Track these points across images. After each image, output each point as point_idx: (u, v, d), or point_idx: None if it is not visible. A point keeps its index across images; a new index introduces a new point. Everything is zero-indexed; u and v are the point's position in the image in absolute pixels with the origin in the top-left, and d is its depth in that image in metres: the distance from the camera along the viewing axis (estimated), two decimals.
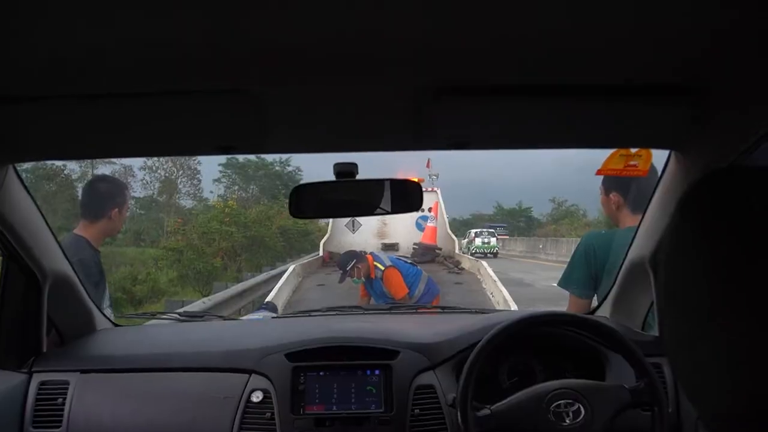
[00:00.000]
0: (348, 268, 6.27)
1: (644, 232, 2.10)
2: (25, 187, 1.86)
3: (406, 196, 1.89)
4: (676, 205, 0.73)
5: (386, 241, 18.11)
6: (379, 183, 1.88)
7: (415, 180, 1.91)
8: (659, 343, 2.09)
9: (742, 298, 0.64)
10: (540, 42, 1.14)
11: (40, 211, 1.97)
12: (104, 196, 3.34)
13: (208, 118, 1.51)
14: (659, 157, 1.88)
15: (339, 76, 1.30)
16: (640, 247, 2.13)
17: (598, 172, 1.96)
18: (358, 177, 1.84)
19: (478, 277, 12.62)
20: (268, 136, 1.61)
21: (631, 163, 1.89)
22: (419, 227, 16.69)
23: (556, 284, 3.40)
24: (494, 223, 52.35)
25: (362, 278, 6.26)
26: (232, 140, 1.66)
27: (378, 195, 1.88)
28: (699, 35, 1.13)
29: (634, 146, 1.85)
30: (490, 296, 10.13)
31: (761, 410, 0.65)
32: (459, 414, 1.76)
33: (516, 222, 71.52)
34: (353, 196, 1.92)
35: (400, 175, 2.19)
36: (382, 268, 6.29)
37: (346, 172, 1.80)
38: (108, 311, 2.49)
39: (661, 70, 1.30)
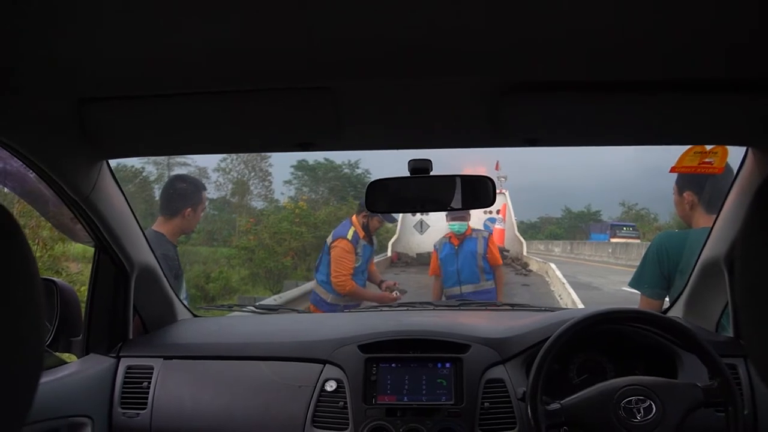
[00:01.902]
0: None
1: (719, 231, 2.07)
2: (117, 183, 1.97)
3: (477, 192, 1.90)
4: (752, 200, 0.73)
5: None
6: (450, 179, 1.90)
7: (487, 176, 1.91)
8: (734, 344, 2.05)
9: None
10: (613, 38, 1.15)
11: (130, 207, 2.08)
12: (180, 195, 3.56)
13: (287, 115, 1.57)
14: (735, 154, 1.86)
15: (414, 71, 1.33)
16: (715, 246, 2.09)
17: (672, 170, 1.94)
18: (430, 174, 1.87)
19: (546, 279, 12.47)
20: (345, 132, 1.66)
21: (706, 160, 1.86)
22: (487, 229, 16.59)
23: (625, 288, 3.36)
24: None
25: (466, 222, 5.98)
26: (310, 136, 1.72)
27: (450, 191, 1.90)
28: None
29: (710, 143, 1.82)
30: (558, 298, 9.99)
31: None
32: (529, 407, 1.77)
33: (585, 226, 69.94)
34: (425, 192, 1.94)
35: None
36: (488, 232, 6.33)
37: (420, 168, 1.83)
38: (186, 303, 2.59)
39: (738, 65, 1.28)
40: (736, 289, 0.77)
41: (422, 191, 1.94)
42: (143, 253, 2.19)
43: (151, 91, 1.44)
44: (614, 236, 40.23)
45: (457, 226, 5.86)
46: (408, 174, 1.85)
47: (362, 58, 1.27)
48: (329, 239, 5.51)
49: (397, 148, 1.84)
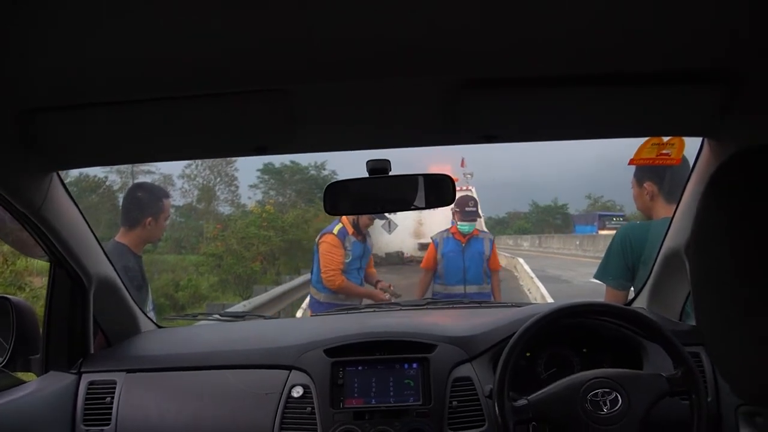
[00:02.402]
0: (475, 209, 5.81)
1: (679, 220, 2.09)
2: (69, 194, 1.92)
3: (438, 191, 1.89)
4: (705, 189, 0.73)
5: (423, 240, 18.00)
6: (411, 178, 1.89)
7: (448, 174, 1.90)
8: (697, 332, 2.07)
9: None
10: (568, 33, 1.15)
11: (84, 218, 2.03)
12: (140, 205, 3.49)
13: (243, 119, 1.54)
14: (693, 144, 1.87)
15: (368, 72, 1.31)
16: (676, 236, 2.11)
17: (631, 162, 1.95)
18: (390, 173, 1.86)
19: (515, 273, 12.57)
20: (301, 135, 1.64)
21: (664, 151, 1.88)
22: (454, 224, 16.61)
23: (593, 279, 3.38)
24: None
25: (472, 223, 5.75)
26: (266, 140, 1.69)
27: (411, 190, 1.89)
28: (729, 20, 1.13)
29: (666, 134, 1.83)
30: (527, 292, 10.08)
31: None
32: (496, 405, 1.77)
33: (552, 219, 70.76)
34: (386, 192, 1.93)
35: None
36: (492, 236, 5.94)
37: (379, 168, 1.82)
38: (152, 314, 2.55)
39: (691, 56, 1.29)
40: (698, 279, 0.77)
41: (382, 191, 1.92)
42: (101, 266, 2.14)
43: (98, 99, 1.40)
44: (603, 228, 37.93)
45: (468, 226, 5.68)
46: (367, 175, 1.83)
47: (316, 60, 1.25)
48: (317, 238, 5.46)
49: (355, 149, 1.82)
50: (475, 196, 17.64)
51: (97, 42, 1.11)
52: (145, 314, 2.54)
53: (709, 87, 1.40)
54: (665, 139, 1.86)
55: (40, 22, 1.02)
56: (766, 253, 0.65)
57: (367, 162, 1.81)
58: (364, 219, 5.34)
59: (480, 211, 6.06)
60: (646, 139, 1.87)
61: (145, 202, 3.52)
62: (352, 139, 1.81)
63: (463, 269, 5.66)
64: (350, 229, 5.24)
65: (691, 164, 1.92)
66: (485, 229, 6.32)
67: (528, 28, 1.13)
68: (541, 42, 1.20)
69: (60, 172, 1.85)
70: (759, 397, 0.72)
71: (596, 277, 3.18)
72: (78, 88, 1.34)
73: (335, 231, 5.22)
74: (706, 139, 1.79)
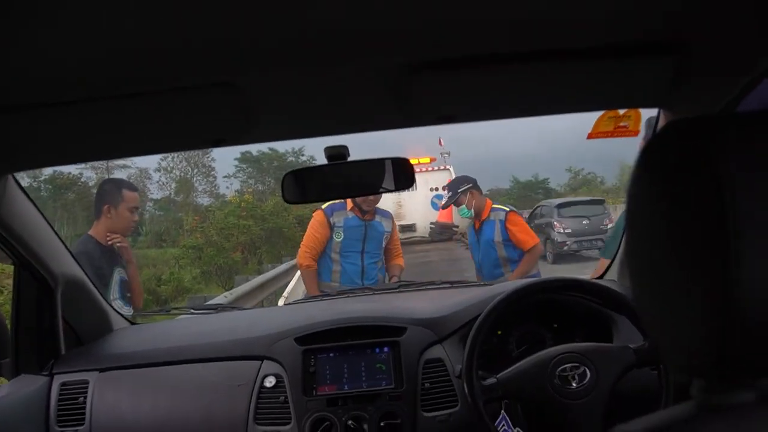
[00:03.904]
0: (460, 191, 5.09)
1: None
2: (27, 195, 1.90)
3: (396, 174, 1.89)
4: (638, 156, 0.74)
5: (403, 222, 18.11)
6: (369, 163, 1.89)
7: (410, 158, 1.89)
8: None
9: (704, 253, 0.66)
10: (514, 9, 1.15)
11: (45, 218, 2.01)
12: (101, 196, 3.74)
13: (196, 113, 1.53)
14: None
15: (317, 59, 1.31)
16: None
17: (589, 136, 1.96)
18: (357, 158, 1.86)
19: None
20: (257, 126, 1.63)
21: (621, 124, 1.88)
22: (434, 206, 16.69)
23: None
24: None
25: (471, 211, 5.07)
26: (222, 133, 1.68)
27: (370, 175, 1.90)
28: None
29: (622, 107, 1.84)
30: None
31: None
32: (465, 384, 1.79)
33: (534, 194, 71.07)
34: (346, 178, 1.93)
35: (408, 155, 2.18)
36: (506, 209, 5.04)
37: (336, 155, 1.81)
38: (118, 303, 2.54)
39: (639, 27, 1.29)
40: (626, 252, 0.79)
41: (340, 178, 1.92)
42: (66, 265, 2.12)
43: (48, 99, 1.38)
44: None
45: (464, 211, 5.13)
46: (325, 162, 1.83)
47: (263, 51, 1.24)
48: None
49: (312, 137, 1.81)
50: (452, 174, 17.72)
51: (45, 40, 1.09)
52: (117, 311, 2.53)
53: (661, 58, 1.40)
54: (621, 111, 1.86)
55: None
56: (698, 227, 0.66)
57: (325, 149, 1.81)
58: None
59: (446, 186, 5.29)
60: (602, 112, 1.87)
61: (106, 193, 3.74)
62: (308, 128, 1.80)
63: (478, 263, 5.16)
64: (349, 204, 4.63)
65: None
66: (499, 206, 5.13)
67: (470, 7, 1.13)
68: (486, 19, 1.19)
69: (16, 174, 1.83)
70: (689, 368, 0.74)
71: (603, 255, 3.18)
72: (27, 88, 1.32)
73: (324, 206, 4.66)
74: (661, 111, 1.80)
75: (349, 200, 4.55)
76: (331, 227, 4.59)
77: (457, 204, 5.15)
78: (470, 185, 5.11)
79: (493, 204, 5.09)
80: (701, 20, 1.26)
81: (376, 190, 1.91)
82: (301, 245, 4.75)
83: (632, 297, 0.79)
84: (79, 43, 1.11)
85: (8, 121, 1.44)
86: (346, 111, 1.68)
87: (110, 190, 3.79)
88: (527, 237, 4.92)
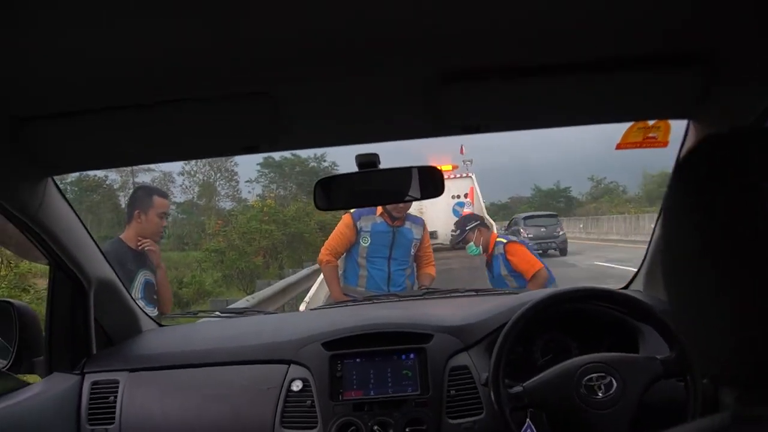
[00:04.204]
0: (468, 228, 5.10)
1: None
2: (65, 198, 1.94)
3: (426, 183, 1.90)
4: (674, 169, 0.75)
5: None
6: (399, 171, 1.91)
7: (449, 167, 1.91)
8: None
9: (735, 263, 0.67)
10: (543, 20, 1.16)
11: (81, 220, 2.05)
12: (133, 202, 3.89)
13: (230, 122, 1.56)
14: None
15: (348, 69, 1.34)
16: None
17: (618, 147, 1.95)
18: (385, 166, 1.87)
19: None
20: (288, 134, 1.66)
21: (650, 135, 1.88)
22: (456, 214, 16.64)
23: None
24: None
25: (479, 247, 5.07)
26: (254, 140, 1.71)
27: (400, 183, 1.91)
28: (709, 3, 1.14)
29: (651, 118, 1.84)
30: None
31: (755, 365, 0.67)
32: (492, 392, 1.79)
33: (555, 203, 70.68)
34: (377, 186, 1.95)
35: (432, 162, 2.20)
36: (504, 241, 5.04)
37: (367, 162, 1.83)
38: (141, 304, 2.58)
39: (668, 39, 1.30)
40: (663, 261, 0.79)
41: (371, 185, 1.94)
42: (100, 267, 2.16)
43: (89, 105, 1.43)
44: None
45: (473, 249, 5.11)
46: (356, 169, 1.85)
47: (294, 62, 1.27)
48: None
49: (341, 145, 1.84)
50: (475, 183, 17.65)
51: (88, 49, 1.13)
52: (146, 314, 2.56)
53: (691, 70, 1.41)
54: (651, 122, 1.86)
55: (31, 30, 1.04)
56: (729, 238, 0.67)
57: (356, 157, 1.83)
58: None
59: (467, 228, 5.12)
60: (631, 123, 1.87)
61: (137, 199, 3.87)
62: (338, 136, 1.82)
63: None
64: (379, 209, 4.58)
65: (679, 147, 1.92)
66: (500, 238, 5.14)
67: (501, 18, 1.14)
68: (515, 31, 1.21)
69: (54, 178, 1.87)
70: (721, 378, 0.75)
71: None
72: (69, 94, 1.36)
73: (352, 210, 4.65)
74: (690, 122, 1.80)
75: (379, 206, 4.48)
76: (358, 231, 4.59)
77: (465, 242, 5.15)
78: (477, 222, 5.16)
79: (497, 237, 5.12)
80: (731, 31, 1.27)
81: (406, 199, 1.92)
82: (324, 244, 4.77)
83: (667, 306, 0.80)
84: (119, 51, 1.15)
85: (50, 127, 1.49)
86: (376, 120, 1.71)
87: (142, 196, 3.91)
88: (528, 266, 4.88)
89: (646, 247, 2.46)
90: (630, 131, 1.88)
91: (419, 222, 4.79)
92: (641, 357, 1.89)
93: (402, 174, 1.90)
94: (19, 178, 1.69)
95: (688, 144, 1.84)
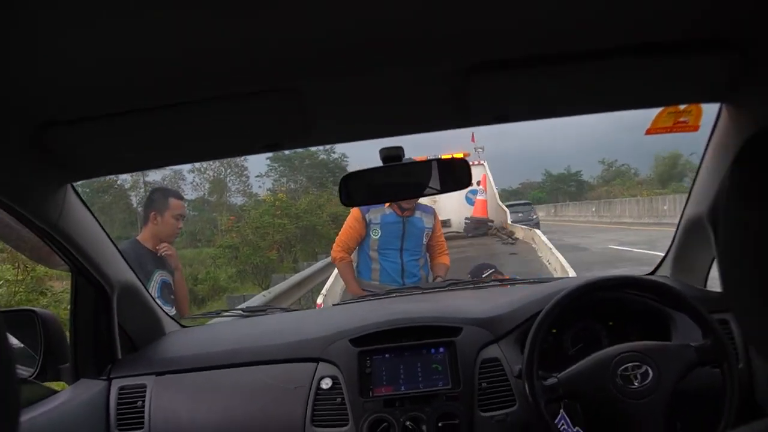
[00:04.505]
0: (484, 276, 5.17)
1: (700, 187, 2.06)
2: (85, 204, 1.92)
3: (454, 174, 1.88)
4: (734, 159, 0.73)
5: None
6: (426, 164, 1.88)
7: (461, 156, 1.88)
8: (724, 299, 2.05)
9: None
10: (573, 8, 1.13)
11: (101, 225, 2.03)
12: (149, 203, 3.96)
13: (254, 119, 1.53)
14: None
15: (376, 63, 1.30)
16: (697, 203, 2.09)
17: (648, 132, 1.92)
18: (404, 159, 1.85)
19: (533, 245, 12.51)
20: (314, 130, 1.63)
21: (681, 119, 1.84)
22: (469, 201, 16.64)
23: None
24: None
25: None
26: (278, 137, 1.68)
27: (426, 175, 1.88)
28: None
29: (684, 102, 1.80)
30: (547, 264, 10.03)
31: None
32: (526, 384, 1.77)
33: (566, 187, 70.59)
34: (402, 179, 1.93)
35: (443, 151, 2.16)
36: None
37: (392, 156, 1.80)
38: (159, 302, 2.58)
39: (701, 23, 1.26)
40: (720, 246, 0.76)
41: (397, 178, 1.92)
42: (121, 271, 2.15)
43: (113, 109, 1.40)
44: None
45: None
46: (381, 163, 1.82)
47: (324, 56, 1.24)
48: None
49: (368, 139, 1.80)
50: (487, 170, 17.61)
51: (109, 51, 1.10)
52: (168, 315, 2.55)
53: (726, 53, 1.37)
54: (682, 106, 1.82)
55: (48, 34, 1.01)
56: None
57: (380, 150, 1.79)
58: None
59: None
60: (662, 108, 1.83)
61: (153, 201, 3.94)
62: (365, 130, 1.79)
63: None
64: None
65: (709, 131, 1.88)
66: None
67: (529, 6, 1.11)
68: (547, 18, 1.17)
69: (74, 184, 1.85)
70: None
71: None
72: (90, 99, 1.33)
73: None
74: (724, 105, 1.75)
75: None
76: (368, 224, 4.55)
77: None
78: (493, 270, 5.13)
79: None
80: (765, 13, 1.23)
81: (433, 191, 1.89)
82: (335, 240, 4.72)
83: (725, 290, 0.78)
84: (141, 52, 1.12)
85: (69, 132, 1.47)
86: (403, 113, 1.67)
87: (158, 198, 3.95)
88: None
89: (661, 228, 2.43)
90: (660, 116, 1.84)
91: (430, 211, 4.74)
92: (676, 345, 1.87)
93: (428, 166, 1.87)
94: (39, 185, 1.67)
95: (724, 128, 1.79)
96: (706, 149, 1.93)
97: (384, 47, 1.23)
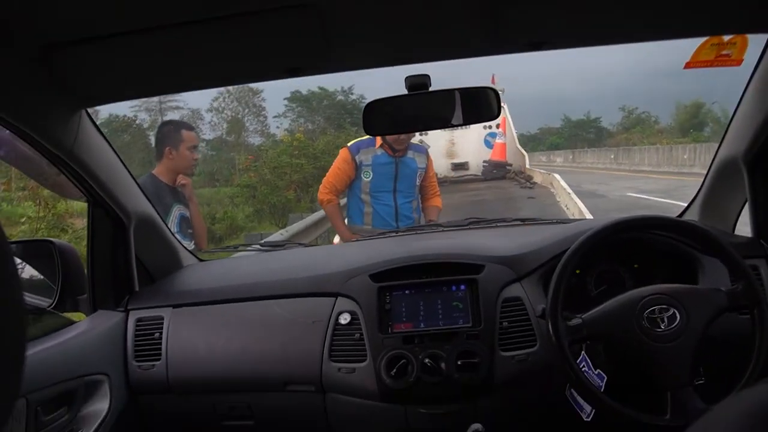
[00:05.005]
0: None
1: (737, 127, 1.97)
2: (100, 131, 1.89)
3: (480, 105, 1.82)
4: (749, 87, 0.66)
5: (456, 160, 17.99)
6: (451, 93, 1.82)
7: (491, 86, 1.81)
8: (755, 244, 2.00)
9: None
10: None
11: (117, 155, 1.99)
12: (161, 137, 3.88)
13: (274, 39, 1.46)
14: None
15: None
16: (733, 143, 2.01)
17: (687, 66, 1.83)
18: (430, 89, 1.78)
19: (552, 190, 12.48)
20: (334, 53, 1.56)
21: (724, 52, 1.76)
22: (488, 144, 16.54)
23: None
24: None
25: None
26: (299, 61, 1.61)
27: (451, 106, 1.82)
28: None
29: (729, 32, 1.71)
30: (565, 208, 10.00)
31: None
32: (549, 324, 1.74)
33: (585, 134, 69.88)
34: (427, 109, 1.87)
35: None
36: None
37: (418, 84, 1.73)
38: (178, 236, 2.56)
39: None
40: (758, 188, 0.70)
41: (422, 109, 1.86)
42: (138, 202, 2.12)
43: (123, 28, 1.34)
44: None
45: None
46: (406, 92, 1.75)
47: None
48: None
49: (392, 65, 1.72)
50: (507, 113, 17.42)
51: None
52: (186, 248, 2.54)
53: None
54: (726, 38, 1.73)
55: None
56: None
57: (406, 78, 1.73)
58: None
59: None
60: (705, 39, 1.74)
61: (165, 135, 3.86)
62: (389, 55, 1.71)
63: None
64: (378, 141, 4.33)
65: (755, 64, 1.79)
66: None
67: None
68: None
69: (90, 111, 1.81)
70: None
71: None
72: (99, 18, 1.28)
73: (350, 143, 4.44)
74: None
75: (378, 138, 4.25)
76: (358, 166, 4.35)
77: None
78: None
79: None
80: None
81: (459, 122, 1.83)
82: (322, 182, 4.53)
83: (756, 233, 0.72)
84: None
85: (78, 54, 1.42)
86: (432, 37, 1.59)
87: (169, 132, 3.89)
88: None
89: (681, 177, 2.36)
90: (702, 48, 1.75)
91: (422, 150, 4.59)
92: (705, 288, 1.82)
93: (454, 95, 1.81)
94: (52, 110, 1.63)
95: None
96: (747, 86, 1.84)
97: None
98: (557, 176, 12.82)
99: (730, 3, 1.43)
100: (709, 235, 1.81)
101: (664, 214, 2.00)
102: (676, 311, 1.71)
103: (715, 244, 1.79)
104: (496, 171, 16.28)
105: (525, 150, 19.44)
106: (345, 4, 1.35)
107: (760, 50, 1.71)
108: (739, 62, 1.78)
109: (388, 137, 4.20)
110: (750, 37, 1.72)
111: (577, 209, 8.91)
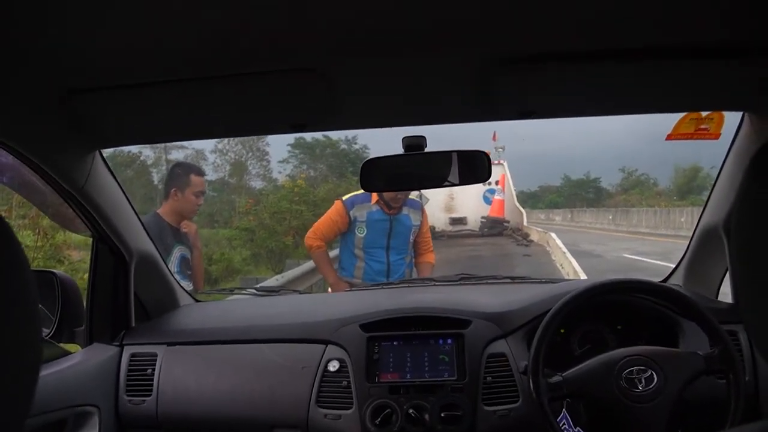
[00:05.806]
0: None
1: (717, 196, 2.06)
2: (111, 172, 1.96)
3: (473, 167, 1.90)
4: (748, 167, 0.73)
5: (454, 215, 18.05)
6: (446, 155, 1.90)
7: (482, 150, 1.89)
8: (734, 310, 2.05)
9: None
10: (607, 4, 1.14)
11: (125, 195, 2.07)
12: (170, 179, 3.98)
13: (280, 98, 1.56)
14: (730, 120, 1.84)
15: (404, 49, 1.32)
16: (713, 212, 2.09)
17: (669, 137, 1.92)
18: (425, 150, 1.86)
19: (547, 249, 12.49)
20: (339, 113, 1.65)
21: (702, 126, 1.85)
22: (486, 200, 16.61)
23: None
24: None
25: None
26: (304, 118, 1.71)
27: (446, 167, 1.90)
28: None
29: (707, 109, 1.81)
30: (560, 268, 10.01)
31: None
32: (531, 381, 1.78)
33: (584, 193, 70.10)
34: (422, 169, 1.94)
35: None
36: None
37: (414, 145, 1.82)
38: (177, 276, 2.61)
39: (732, 29, 1.27)
40: (733, 256, 0.77)
41: (418, 168, 1.94)
42: (141, 241, 2.19)
43: (141, 79, 1.44)
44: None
45: None
46: (402, 151, 1.84)
47: (351, 38, 1.26)
48: None
49: (392, 126, 1.83)
50: (506, 170, 17.54)
51: (139, 21, 1.13)
52: (183, 288, 2.59)
53: (752, 61, 1.38)
54: (704, 113, 1.83)
55: (82, 6, 1.04)
56: None
57: (403, 139, 1.82)
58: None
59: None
60: (684, 114, 1.84)
61: (174, 177, 3.95)
62: (389, 117, 1.81)
63: None
64: (374, 198, 4.34)
65: (730, 140, 1.88)
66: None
67: (563, 2, 1.12)
68: (578, 16, 1.19)
69: (102, 150, 1.89)
70: None
71: None
72: (119, 67, 1.37)
73: (345, 198, 4.45)
74: (746, 114, 1.76)
75: (374, 194, 4.27)
76: (352, 221, 4.37)
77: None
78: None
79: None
80: None
81: (452, 183, 1.91)
82: (311, 227, 4.53)
83: (736, 300, 0.79)
84: (170, 24, 1.15)
85: (98, 99, 1.51)
86: (428, 102, 1.69)
87: (178, 174, 3.97)
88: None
89: (677, 241, 2.43)
90: (682, 122, 1.85)
91: (417, 206, 4.59)
92: (683, 352, 1.87)
93: (449, 157, 1.89)
94: (68, 149, 1.71)
95: (746, 137, 1.80)
96: (725, 158, 1.94)
97: (411, 33, 1.24)
98: (553, 235, 12.85)
99: (708, 84, 1.52)
100: (687, 300, 1.87)
101: (646, 279, 2.07)
102: (653, 372, 1.76)
103: (693, 308, 1.85)
104: (494, 227, 16.34)
105: (524, 207, 19.54)
106: (348, 71, 1.45)
107: (737, 124, 1.81)
108: (717, 136, 1.87)
109: (384, 194, 4.23)
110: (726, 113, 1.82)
111: (572, 268, 8.94)
